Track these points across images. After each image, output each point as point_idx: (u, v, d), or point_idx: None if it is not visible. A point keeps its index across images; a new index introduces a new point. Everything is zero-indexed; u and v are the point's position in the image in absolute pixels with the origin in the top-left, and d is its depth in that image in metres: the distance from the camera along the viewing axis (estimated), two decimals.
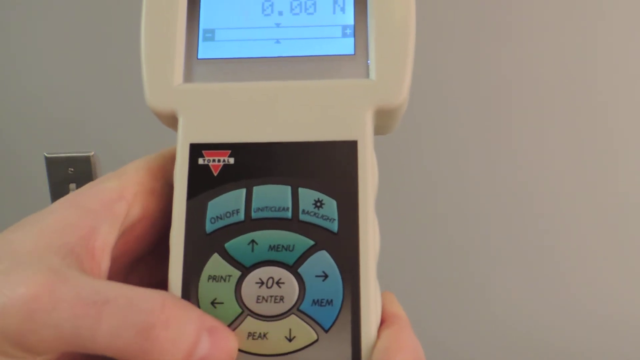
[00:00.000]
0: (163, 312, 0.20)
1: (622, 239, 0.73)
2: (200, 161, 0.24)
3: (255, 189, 0.23)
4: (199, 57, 0.25)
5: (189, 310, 0.21)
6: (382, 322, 0.23)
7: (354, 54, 0.25)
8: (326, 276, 0.22)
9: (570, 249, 0.74)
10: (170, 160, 0.24)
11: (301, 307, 0.22)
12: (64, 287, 0.20)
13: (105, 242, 0.22)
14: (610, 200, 0.72)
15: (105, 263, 0.22)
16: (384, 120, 0.25)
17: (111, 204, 0.23)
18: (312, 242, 0.23)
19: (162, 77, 0.24)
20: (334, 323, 0.22)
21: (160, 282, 0.23)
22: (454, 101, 0.71)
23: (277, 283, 0.22)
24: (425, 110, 0.70)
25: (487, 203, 0.73)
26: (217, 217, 0.23)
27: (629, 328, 0.75)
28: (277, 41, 0.25)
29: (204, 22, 0.26)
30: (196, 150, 0.24)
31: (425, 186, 0.73)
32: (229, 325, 0.22)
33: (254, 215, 0.23)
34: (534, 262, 0.74)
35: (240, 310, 0.22)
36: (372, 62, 0.24)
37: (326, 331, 0.22)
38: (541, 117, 0.71)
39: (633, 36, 0.69)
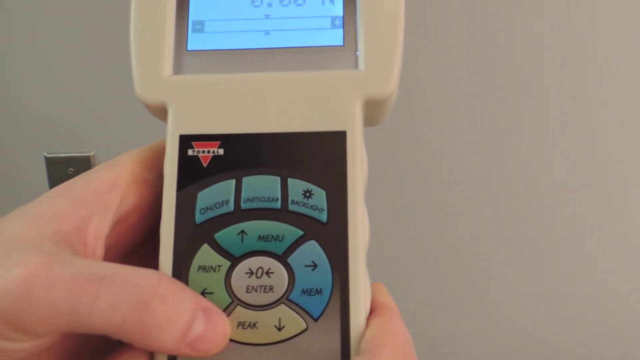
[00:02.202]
0: (159, 287, 0.20)
1: (620, 239, 0.73)
2: (190, 152, 0.24)
3: (245, 179, 0.23)
4: (188, 48, 0.25)
5: (184, 289, 0.21)
6: (372, 311, 0.23)
7: (343, 45, 0.25)
8: (315, 266, 0.22)
9: (567, 248, 0.74)
10: (162, 151, 0.25)
11: (290, 297, 0.22)
12: (60, 266, 0.20)
13: (98, 231, 0.22)
14: (609, 200, 0.72)
15: (99, 251, 0.23)
16: (373, 111, 0.25)
17: (104, 194, 0.23)
18: (301, 232, 0.23)
19: (151, 69, 0.25)
20: (323, 312, 0.22)
21: None
22: (447, 93, 0.71)
23: (267, 273, 0.23)
24: (418, 102, 0.71)
25: (482, 198, 0.73)
26: (206, 207, 0.23)
27: (627, 328, 0.75)
28: (267, 32, 0.25)
29: (193, 14, 0.26)
30: (186, 141, 0.24)
31: (418, 179, 0.73)
32: None
33: (243, 205, 0.23)
34: (530, 260, 0.74)
35: (230, 300, 0.22)
36: (361, 53, 0.24)
37: (315, 320, 0.22)
38: (538, 111, 0.71)
39: (632, 35, 0.68)
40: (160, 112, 0.25)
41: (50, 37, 0.72)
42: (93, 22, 0.72)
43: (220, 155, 0.24)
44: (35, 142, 0.73)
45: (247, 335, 0.22)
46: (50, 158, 0.66)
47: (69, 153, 0.67)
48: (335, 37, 0.25)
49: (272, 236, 0.23)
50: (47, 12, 0.72)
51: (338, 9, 0.25)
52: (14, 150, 0.75)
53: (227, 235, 0.23)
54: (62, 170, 0.68)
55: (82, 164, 0.68)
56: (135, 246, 0.25)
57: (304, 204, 0.23)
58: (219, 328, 0.21)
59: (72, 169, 0.68)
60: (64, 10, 0.72)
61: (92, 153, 0.67)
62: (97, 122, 0.74)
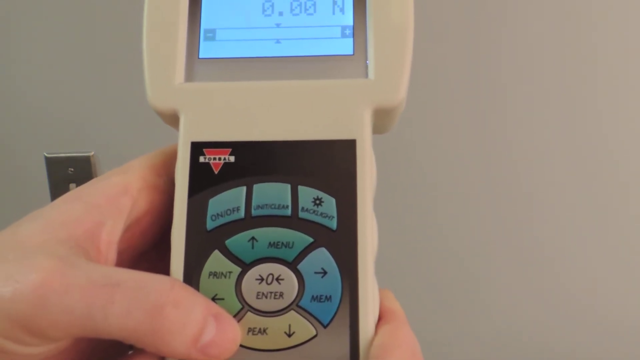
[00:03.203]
0: (172, 293, 0.20)
1: (621, 239, 0.74)
2: (201, 159, 0.24)
3: (256, 186, 0.24)
4: (200, 56, 0.26)
5: (196, 295, 0.22)
6: (380, 318, 0.23)
7: (353, 54, 0.25)
8: (325, 273, 0.23)
9: (568, 248, 0.74)
10: (173, 157, 0.25)
11: (300, 303, 0.23)
12: (75, 272, 0.20)
13: (110, 236, 0.23)
14: (610, 200, 0.73)
15: (111, 256, 0.23)
16: (382, 120, 0.25)
17: (116, 199, 0.23)
18: (311, 240, 0.23)
19: (163, 76, 0.25)
20: (332, 319, 0.22)
21: None
22: (453, 101, 0.71)
23: (277, 279, 0.23)
24: (424, 110, 0.71)
25: (486, 203, 0.74)
26: (217, 214, 0.23)
27: (628, 329, 0.76)
28: (278, 41, 0.26)
29: (205, 22, 0.26)
30: (197, 148, 0.24)
31: (424, 185, 0.73)
32: None
33: (254, 212, 0.23)
34: (531, 261, 0.75)
35: (240, 306, 0.23)
36: (370, 62, 0.25)
37: (325, 327, 0.22)
38: (538, 113, 0.71)
39: (632, 35, 0.69)
40: (172, 119, 0.25)
41: (51, 37, 0.72)
42: (93, 22, 0.72)
43: (231, 163, 0.24)
44: (35, 142, 0.73)
45: (257, 341, 0.22)
46: (50, 158, 0.66)
47: (69, 153, 0.67)
48: (345, 46, 0.25)
49: (283, 243, 0.23)
50: (48, 12, 0.72)
51: (348, 19, 0.26)
52: (14, 150, 0.75)
53: (237, 241, 0.23)
54: (62, 170, 0.67)
55: (82, 164, 0.68)
56: (146, 250, 0.26)
57: (314, 212, 0.23)
58: (229, 334, 0.22)
59: (72, 169, 0.67)
60: (64, 10, 0.72)
61: (92, 153, 0.66)
62: (97, 122, 0.74)
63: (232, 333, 0.22)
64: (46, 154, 0.67)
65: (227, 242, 0.23)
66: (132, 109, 0.70)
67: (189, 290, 0.21)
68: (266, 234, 0.23)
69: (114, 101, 0.73)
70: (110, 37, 0.71)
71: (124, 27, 0.65)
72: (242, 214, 0.23)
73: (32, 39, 0.73)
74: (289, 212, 0.23)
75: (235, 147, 0.24)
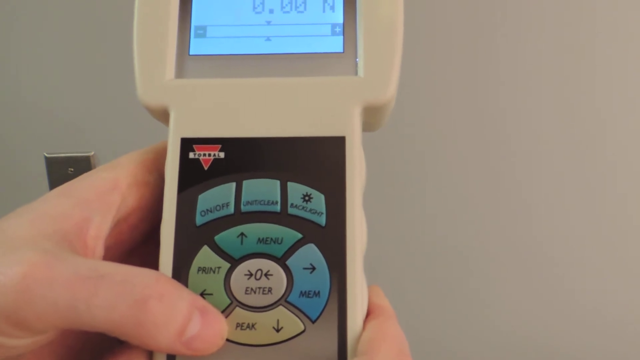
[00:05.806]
0: (157, 286, 0.20)
1: (622, 239, 0.73)
2: (191, 155, 0.24)
3: (245, 182, 0.24)
4: (190, 53, 0.26)
5: (181, 288, 0.22)
6: (368, 313, 0.23)
7: (343, 52, 0.25)
8: (314, 268, 0.23)
9: (568, 249, 0.74)
10: (163, 153, 0.25)
11: (289, 299, 0.23)
12: (60, 264, 0.20)
13: (98, 231, 0.23)
14: (609, 201, 0.73)
15: (98, 252, 0.23)
16: (372, 117, 0.25)
17: (105, 194, 0.23)
18: (300, 235, 0.23)
19: (153, 73, 0.25)
20: (320, 314, 0.22)
21: None
22: (445, 95, 0.71)
23: (266, 275, 0.23)
24: (416, 105, 0.71)
25: (482, 200, 0.74)
26: (207, 210, 0.23)
27: (628, 330, 0.75)
28: (268, 38, 0.26)
29: (195, 19, 0.26)
30: (187, 144, 0.24)
31: (415, 181, 0.73)
32: None
33: (243, 208, 0.23)
34: (530, 261, 0.75)
35: (229, 301, 0.23)
36: (360, 59, 0.25)
37: (313, 322, 0.22)
38: (537, 113, 0.71)
39: (632, 35, 0.69)
40: (162, 116, 0.25)
41: (51, 37, 0.72)
42: (93, 22, 0.72)
43: (221, 159, 0.24)
44: (35, 142, 0.74)
45: (246, 336, 0.22)
46: (50, 158, 0.66)
47: (69, 153, 0.67)
48: (335, 44, 0.25)
49: (272, 239, 0.23)
50: (48, 12, 0.72)
51: (338, 16, 0.26)
52: (14, 150, 0.75)
53: (227, 237, 0.23)
54: (62, 170, 0.67)
55: (82, 164, 0.68)
56: (135, 246, 0.26)
57: (303, 208, 0.23)
58: (215, 328, 0.22)
59: (72, 169, 0.68)
60: (64, 10, 0.72)
61: (92, 153, 0.67)
62: (97, 122, 0.74)
63: (218, 327, 0.22)
64: (46, 154, 0.68)
65: (216, 237, 0.23)
66: (132, 109, 0.70)
67: (174, 284, 0.21)
68: (255, 229, 0.23)
69: (114, 101, 0.73)
70: (110, 37, 0.71)
71: (124, 28, 0.65)
72: (231, 209, 0.23)
73: (32, 40, 0.73)
74: (278, 208, 0.23)
75: (225, 143, 0.24)
